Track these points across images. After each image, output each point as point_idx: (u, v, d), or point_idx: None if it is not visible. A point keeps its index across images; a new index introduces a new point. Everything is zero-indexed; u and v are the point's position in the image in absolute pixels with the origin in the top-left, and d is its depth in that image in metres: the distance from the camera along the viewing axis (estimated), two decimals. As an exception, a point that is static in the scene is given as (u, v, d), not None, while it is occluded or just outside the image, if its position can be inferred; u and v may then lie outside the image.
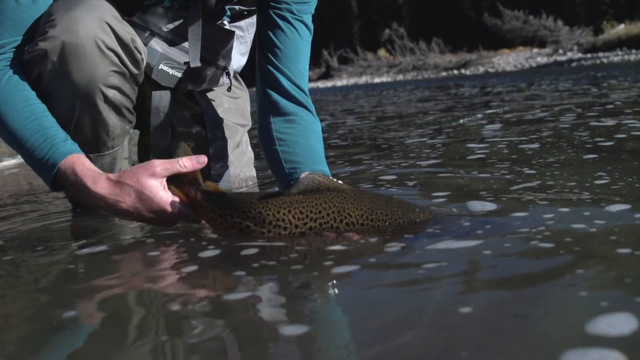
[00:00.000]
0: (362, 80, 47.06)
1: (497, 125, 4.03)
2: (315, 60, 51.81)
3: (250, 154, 2.46)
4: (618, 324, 0.78)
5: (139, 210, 1.45)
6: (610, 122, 3.47)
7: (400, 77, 45.81)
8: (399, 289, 1.04)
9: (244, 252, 1.32)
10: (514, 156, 2.52)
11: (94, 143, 1.86)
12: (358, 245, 1.31)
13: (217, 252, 1.36)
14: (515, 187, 1.78)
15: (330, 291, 1.09)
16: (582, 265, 1.04)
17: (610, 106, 4.67)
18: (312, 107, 1.90)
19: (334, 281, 1.12)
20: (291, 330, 0.90)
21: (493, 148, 2.82)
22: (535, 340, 0.78)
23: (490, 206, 1.52)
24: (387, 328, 0.88)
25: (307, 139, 1.82)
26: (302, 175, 1.40)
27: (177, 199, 1.47)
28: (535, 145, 2.73)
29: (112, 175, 1.47)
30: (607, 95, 6.04)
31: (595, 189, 1.66)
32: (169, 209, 1.45)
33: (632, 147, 2.52)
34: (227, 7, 2.23)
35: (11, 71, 1.63)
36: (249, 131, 2.44)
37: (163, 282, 1.20)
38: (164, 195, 1.45)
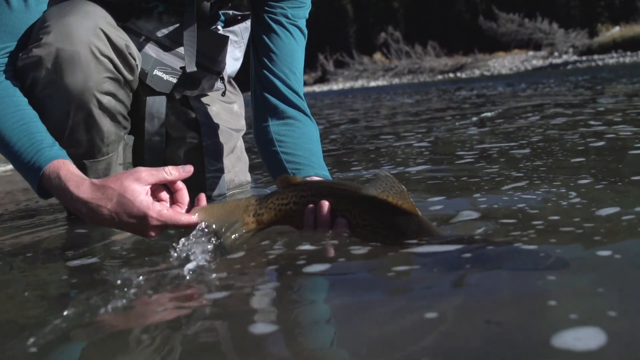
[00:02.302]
0: (358, 84, 47.08)
1: (489, 129, 4.03)
2: (311, 64, 51.84)
3: (245, 159, 2.46)
4: (585, 338, 0.76)
5: (120, 215, 1.39)
6: (600, 125, 3.48)
7: (396, 80, 45.83)
8: (370, 291, 1.04)
9: (226, 256, 1.34)
10: (502, 159, 2.54)
11: (88, 149, 1.85)
12: (329, 246, 1.32)
13: (201, 257, 1.35)
14: (504, 188, 1.79)
15: (302, 290, 1.10)
16: (559, 271, 1.02)
17: (602, 109, 4.68)
18: (308, 110, 1.90)
19: (307, 281, 1.14)
20: (263, 328, 0.91)
21: (483, 153, 2.83)
22: (500, 351, 0.78)
23: (474, 214, 1.52)
24: (358, 329, 0.89)
25: (306, 142, 1.82)
26: (381, 174, 1.31)
27: (159, 204, 1.42)
28: (526, 150, 2.75)
29: (96, 180, 1.43)
30: (599, 99, 6.06)
31: (582, 191, 1.67)
32: (151, 213, 1.38)
33: (619, 150, 2.53)
34: (221, 12, 2.23)
35: (3, 76, 1.63)
36: (243, 136, 2.44)
37: (145, 287, 1.20)
38: (145, 199, 1.39)
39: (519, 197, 1.66)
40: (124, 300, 1.11)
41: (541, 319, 0.85)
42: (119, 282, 1.21)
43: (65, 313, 1.09)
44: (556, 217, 1.40)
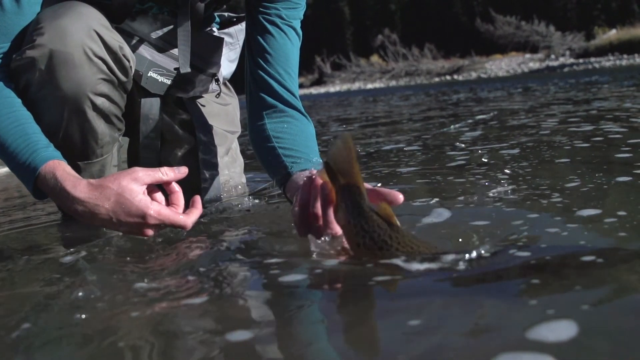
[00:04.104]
0: (355, 86, 46.95)
1: (481, 132, 4.04)
2: (308, 66, 51.82)
3: (240, 160, 2.46)
4: (558, 330, 0.78)
5: (118, 214, 1.41)
6: (589, 127, 3.51)
7: (393, 83, 45.73)
8: (350, 298, 1.04)
9: (205, 261, 1.35)
10: (492, 161, 2.56)
11: (82, 151, 1.85)
12: (304, 255, 1.32)
13: (183, 259, 1.36)
14: (489, 191, 1.80)
15: (280, 297, 1.10)
16: (540, 273, 1.03)
17: (594, 112, 4.70)
18: (303, 110, 1.90)
19: (280, 288, 1.14)
20: (237, 336, 0.91)
21: (474, 154, 2.85)
22: (474, 345, 0.79)
23: (446, 214, 1.53)
24: (337, 336, 0.90)
25: (304, 139, 1.81)
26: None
27: (157, 203, 1.43)
28: (515, 151, 2.77)
29: (93, 180, 1.44)
30: (593, 101, 6.08)
31: (567, 193, 1.67)
32: (150, 212, 1.40)
33: (606, 153, 2.54)
34: (216, 14, 2.24)
35: None
36: (238, 138, 2.45)
37: (126, 290, 1.20)
38: (144, 199, 1.41)
39: (504, 197, 1.68)
40: (107, 303, 1.12)
41: (520, 314, 0.87)
42: (103, 284, 1.22)
43: (53, 313, 1.10)
44: (540, 217, 1.41)
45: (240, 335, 0.91)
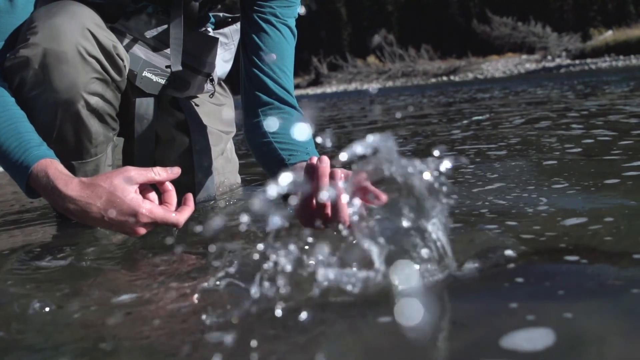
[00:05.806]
0: (352, 86, 46.89)
1: (474, 132, 4.05)
2: (304, 67, 51.75)
3: (235, 160, 2.47)
4: (535, 339, 0.76)
5: (110, 213, 1.41)
6: (580, 129, 3.52)
7: (389, 83, 45.61)
8: (332, 297, 1.04)
9: (190, 262, 1.36)
10: (478, 159, 2.58)
11: (76, 150, 1.85)
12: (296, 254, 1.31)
13: (173, 261, 1.36)
14: (475, 190, 1.81)
15: (262, 298, 1.09)
16: (523, 274, 1.03)
17: (586, 112, 4.71)
18: (299, 107, 1.90)
19: (263, 288, 1.13)
20: (217, 337, 0.91)
21: (462, 153, 2.86)
22: (445, 352, 0.78)
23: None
24: (321, 333, 0.90)
25: (300, 134, 1.80)
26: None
27: (149, 202, 1.44)
28: (503, 152, 2.77)
29: (85, 179, 1.44)
30: (585, 102, 6.08)
31: (554, 196, 1.68)
32: (142, 210, 1.41)
33: (596, 153, 2.54)
34: (211, 14, 2.24)
35: None
36: (233, 138, 2.45)
37: (113, 291, 1.20)
38: (136, 197, 1.41)
39: (491, 198, 1.68)
40: (90, 305, 1.12)
41: (499, 319, 0.86)
42: (86, 288, 1.22)
43: (31, 319, 1.09)
44: (526, 218, 1.42)
45: (220, 337, 0.91)
